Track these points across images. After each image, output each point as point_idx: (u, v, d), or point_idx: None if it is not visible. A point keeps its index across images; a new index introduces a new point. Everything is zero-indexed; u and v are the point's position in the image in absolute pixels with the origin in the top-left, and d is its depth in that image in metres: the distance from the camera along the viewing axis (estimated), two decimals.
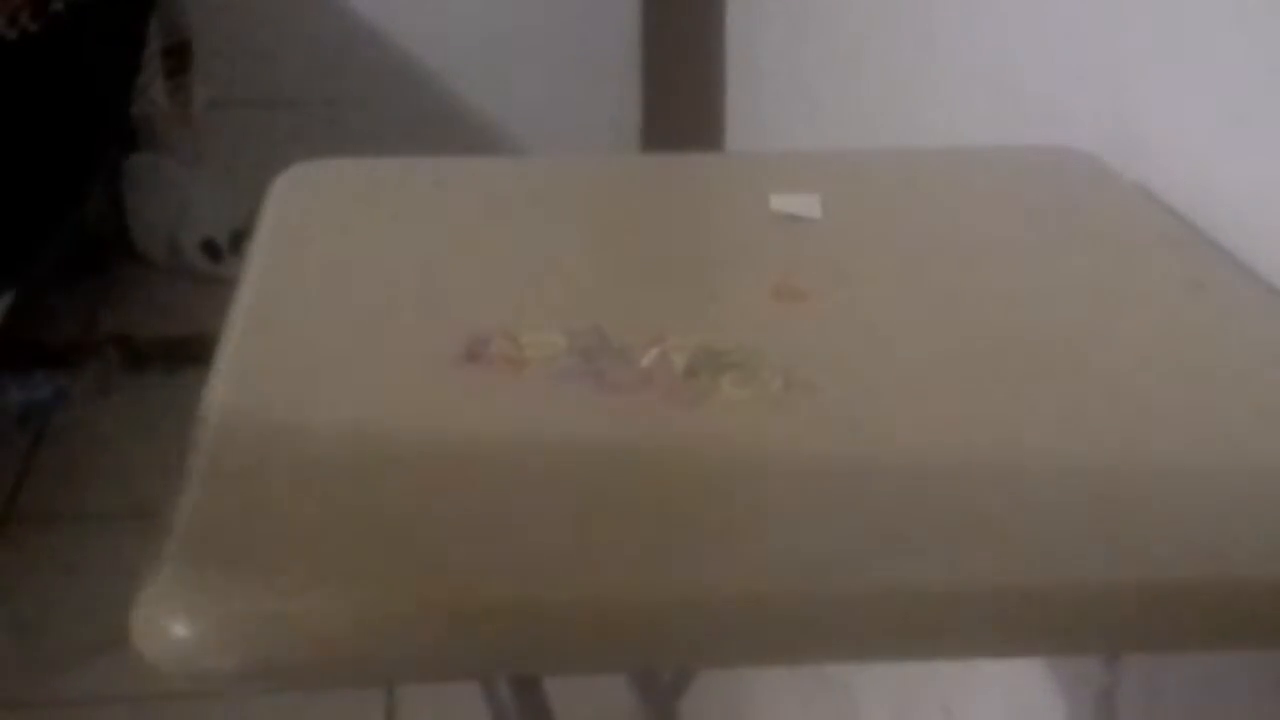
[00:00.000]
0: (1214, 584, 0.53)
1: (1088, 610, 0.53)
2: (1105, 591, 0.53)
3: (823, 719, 1.48)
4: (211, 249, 2.72)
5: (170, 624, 0.49)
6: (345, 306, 0.72)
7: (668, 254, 0.80)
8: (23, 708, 1.69)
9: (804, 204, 0.82)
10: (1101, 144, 0.91)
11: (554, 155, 2.36)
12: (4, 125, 2.05)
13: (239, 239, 2.65)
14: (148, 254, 2.78)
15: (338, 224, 0.83)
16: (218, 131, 2.74)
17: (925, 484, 0.58)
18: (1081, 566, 0.53)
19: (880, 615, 0.52)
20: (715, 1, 2.11)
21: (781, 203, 0.82)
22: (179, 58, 2.67)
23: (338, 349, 0.68)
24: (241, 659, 0.50)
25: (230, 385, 0.64)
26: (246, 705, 1.48)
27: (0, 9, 2.03)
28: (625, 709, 1.08)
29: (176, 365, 2.33)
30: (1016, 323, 0.71)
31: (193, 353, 2.25)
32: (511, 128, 2.79)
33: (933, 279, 0.76)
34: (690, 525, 0.56)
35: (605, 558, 0.53)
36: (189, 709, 1.56)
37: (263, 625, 0.50)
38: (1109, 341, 0.69)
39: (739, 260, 0.80)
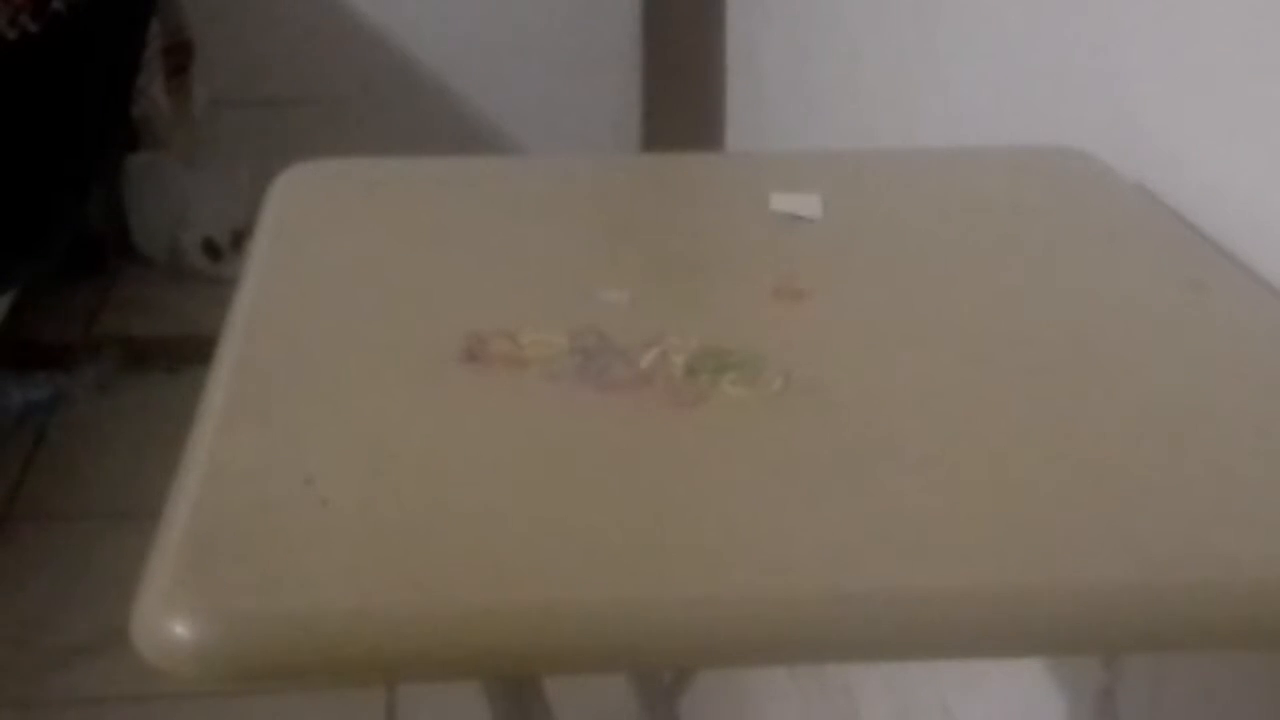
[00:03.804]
0: (1213, 584, 0.53)
1: (1088, 610, 0.53)
2: (1105, 591, 0.53)
3: (823, 717, 1.48)
4: (212, 249, 2.72)
5: (170, 624, 0.49)
6: (345, 306, 0.72)
7: (668, 254, 0.80)
8: (23, 708, 1.69)
9: (804, 204, 0.82)
10: (1101, 144, 0.91)
11: (554, 155, 2.36)
12: (4, 125, 2.04)
13: (239, 239, 2.65)
14: (148, 254, 2.77)
15: (338, 224, 0.83)
16: (218, 131, 2.74)
17: (925, 484, 0.57)
18: (1082, 566, 0.53)
19: (880, 615, 0.52)
20: (716, 1, 2.11)
21: (782, 202, 0.82)
22: (179, 58, 2.67)
23: (338, 349, 0.68)
24: (241, 659, 0.50)
25: (230, 385, 0.64)
26: (246, 705, 1.48)
27: (0, 9, 2.03)
28: (625, 709, 1.08)
29: (177, 365, 2.33)
30: (1016, 322, 0.71)
31: (193, 352, 2.25)
32: (511, 128, 2.79)
33: (932, 279, 0.76)
34: (690, 525, 0.56)
35: (605, 557, 0.53)
36: (189, 709, 1.56)
37: (262, 625, 0.50)
38: (1108, 341, 0.69)
39: (739, 260, 0.80)
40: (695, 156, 1.21)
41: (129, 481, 2.03)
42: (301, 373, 0.65)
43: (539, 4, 2.77)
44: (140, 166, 2.75)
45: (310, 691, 0.52)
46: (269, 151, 1.08)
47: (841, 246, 0.80)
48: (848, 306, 0.72)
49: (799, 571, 0.53)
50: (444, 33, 2.78)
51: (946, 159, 0.97)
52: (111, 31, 2.34)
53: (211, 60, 2.69)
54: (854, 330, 0.70)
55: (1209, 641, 0.57)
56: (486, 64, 2.79)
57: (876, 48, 1.44)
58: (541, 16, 2.77)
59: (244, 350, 0.67)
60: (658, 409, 0.61)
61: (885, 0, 1.43)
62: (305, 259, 0.78)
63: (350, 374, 0.65)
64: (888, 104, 1.40)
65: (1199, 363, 0.68)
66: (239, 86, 2.74)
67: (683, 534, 0.55)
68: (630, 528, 0.55)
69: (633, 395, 0.62)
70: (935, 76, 1.27)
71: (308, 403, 0.63)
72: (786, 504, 0.56)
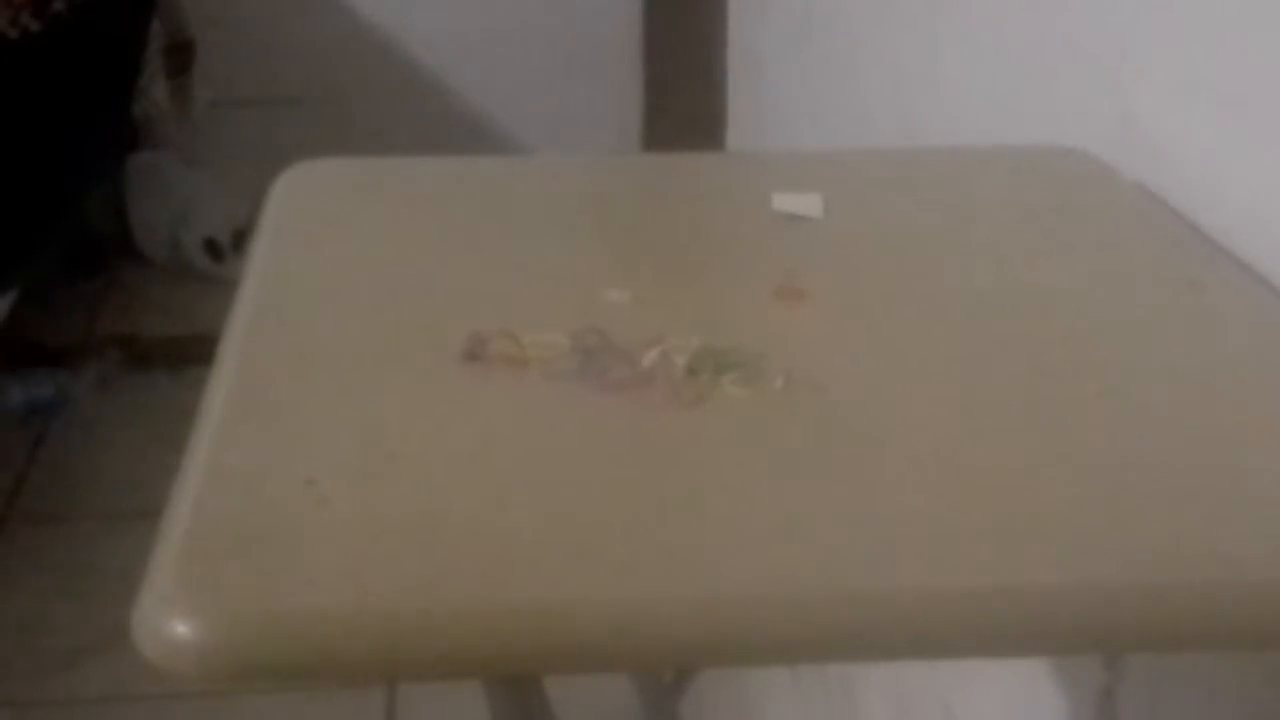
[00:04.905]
0: (1213, 584, 0.53)
1: (1089, 610, 0.53)
2: (1106, 592, 0.53)
3: (823, 717, 1.48)
4: (213, 248, 2.72)
5: (171, 623, 0.49)
6: (346, 306, 0.72)
7: (669, 253, 0.80)
8: (23, 708, 1.69)
9: (806, 203, 0.82)
10: (1101, 143, 0.91)
11: (555, 154, 2.36)
12: (5, 125, 2.05)
13: (241, 238, 2.65)
14: (149, 253, 2.78)
15: (339, 223, 0.83)
16: (219, 131, 2.74)
17: (926, 484, 0.57)
18: (1082, 567, 0.53)
19: (881, 615, 0.52)
20: (717, 0, 2.11)
21: (783, 202, 0.82)
22: (181, 57, 2.67)
23: (339, 348, 0.68)
24: (242, 658, 0.49)
25: (231, 385, 0.64)
26: (247, 705, 1.48)
27: (2, 9, 2.03)
28: (626, 709, 1.07)
29: (178, 365, 2.33)
30: (1017, 322, 0.71)
31: (194, 352, 2.25)
32: (512, 127, 2.79)
33: (934, 279, 0.76)
34: (691, 525, 0.55)
35: (606, 557, 0.53)
36: (190, 709, 1.56)
37: (263, 625, 0.50)
38: (1108, 341, 0.69)
39: (741, 260, 0.79)
40: (696, 156, 1.21)
41: (130, 481, 2.03)
42: (303, 373, 0.65)
43: (540, 3, 2.77)
44: (141, 166, 2.75)
45: (311, 691, 0.52)
46: (270, 151, 1.08)
47: (843, 246, 0.79)
48: (849, 306, 0.72)
49: (800, 571, 0.53)
50: (445, 32, 2.78)
51: (946, 159, 0.96)
52: (113, 31, 2.34)
53: (213, 60, 2.70)
54: (855, 330, 0.70)
55: (1210, 641, 0.57)
56: (488, 63, 2.79)
57: (876, 47, 1.44)
58: (543, 16, 2.77)
59: (245, 350, 0.67)
60: (659, 409, 0.61)
61: (887, 0, 1.43)
62: (306, 259, 0.78)
63: (351, 374, 0.65)
64: (887, 103, 1.40)
65: (1199, 363, 0.67)
66: (240, 86, 2.74)
67: (684, 534, 0.55)
68: (631, 527, 0.55)
69: (634, 395, 0.62)
70: (935, 75, 1.27)
71: (309, 403, 0.63)
72: (788, 504, 0.56)
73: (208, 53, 2.68)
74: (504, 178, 0.92)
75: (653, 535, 0.54)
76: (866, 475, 0.58)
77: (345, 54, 2.77)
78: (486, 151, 2.67)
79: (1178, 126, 0.86)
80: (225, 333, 0.68)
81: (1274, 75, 0.76)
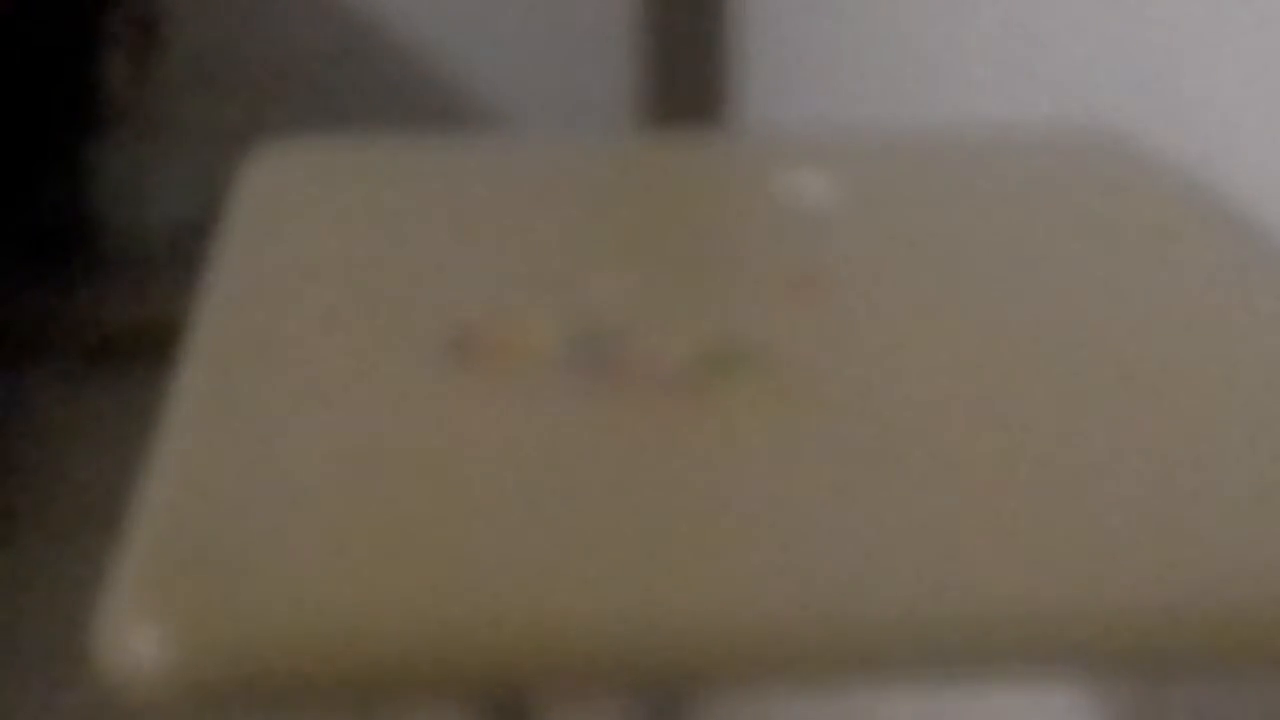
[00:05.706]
0: (1258, 603, 0.50)
1: (1119, 634, 0.49)
2: (1137, 615, 0.50)
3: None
4: (180, 235, 2.70)
5: (135, 639, 0.47)
6: (323, 296, 0.70)
7: (670, 241, 0.78)
8: None
9: (817, 189, 0.81)
10: (1141, 122, 0.89)
11: (548, 135, 2.35)
12: None
13: (209, 224, 2.64)
14: (111, 242, 2.75)
15: (314, 208, 0.81)
16: (186, 111, 2.72)
17: (945, 493, 0.55)
18: (1115, 588, 0.50)
19: (896, 636, 0.49)
20: None
21: (794, 187, 0.81)
22: (146, 36, 2.65)
23: (315, 344, 0.66)
24: (214, 678, 0.47)
25: (199, 383, 0.62)
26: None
27: None
28: None
29: (143, 359, 2.31)
30: (1043, 319, 0.69)
31: (160, 345, 2.22)
32: (499, 97, 2.77)
33: (952, 271, 0.74)
34: (695, 531, 0.53)
35: (605, 566, 0.51)
36: None
37: (237, 641, 0.47)
38: (1145, 342, 0.67)
39: (746, 248, 0.78)
40: (699, 135, 1.20)
41: (94, 484, 2.00)
42: (276, 369, 0.63)
43: None
44: (105, 149, 2.73)
45: (295, 708, 0.50)
46: (239, 132, 1.05)
47: (856, 236, 0.78)
48: (862, 298, 0.70)
49: (810, 586, 0.50)
50: (425, 4, 2.76)
51: (967, 140, 0.95)
52: (74, 9, 2.32)
53: (179, 38, 2.68)
54: (870, 325, 0.68)
55: (1248, 666, 0.54)
56: (471, 30, 2.77)
57: (891, 13, 1.43)
58: None
59: (214, 345, 0.65)
60: (659, 407, 0.59)
61: None
62: (279, 246, 0.76)
63: (329, 372, 0.63)
64: (903, 75, 1.39)
65: (1248, 368, 0.65)
66: (208, 64, 2.72)
67: (687, 540, 0.52)
68: (632, 534, 0.52)
69: (631, 393, 0.60)
70: (953, 42, 1.25)
71: (283, 402, 0.61)
72: (796, 510, 0.54)
73: (176, 28, 2.66)
74: (492, 160, 0.91)
75: (654, 542, 0.52)
76: (878, 481, 0.56)
77: (321, 28, 2.76)
78: (473, 129, 2.65)
79: (1234, 101, 0.84)
80: (192, 326, 0.66)
81: None
